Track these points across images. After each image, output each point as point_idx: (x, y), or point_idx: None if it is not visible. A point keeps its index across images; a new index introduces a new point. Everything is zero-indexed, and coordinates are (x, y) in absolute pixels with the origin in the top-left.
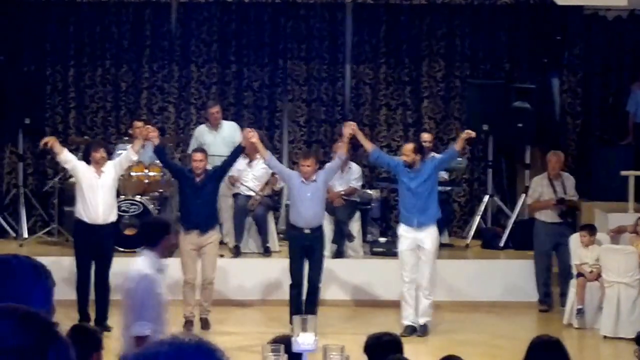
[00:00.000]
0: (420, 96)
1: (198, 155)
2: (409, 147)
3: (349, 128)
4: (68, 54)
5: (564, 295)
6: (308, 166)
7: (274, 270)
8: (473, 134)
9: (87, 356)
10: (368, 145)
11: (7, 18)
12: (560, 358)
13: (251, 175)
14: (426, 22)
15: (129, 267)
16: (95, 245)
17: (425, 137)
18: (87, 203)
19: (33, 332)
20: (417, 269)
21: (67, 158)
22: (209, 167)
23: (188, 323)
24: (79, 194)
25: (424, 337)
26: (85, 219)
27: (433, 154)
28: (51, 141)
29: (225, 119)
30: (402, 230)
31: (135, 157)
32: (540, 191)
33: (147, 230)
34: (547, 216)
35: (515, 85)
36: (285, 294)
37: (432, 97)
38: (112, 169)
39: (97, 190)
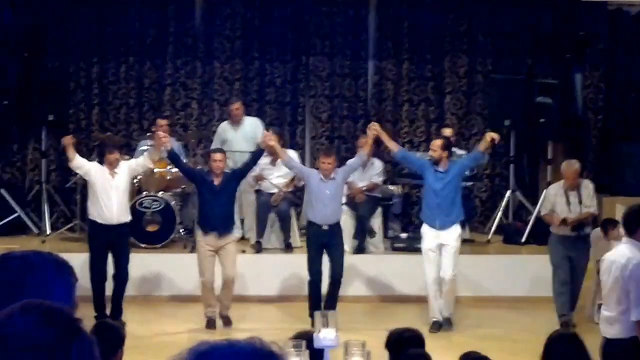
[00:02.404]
0: (443, 92)
1: (217, 156)
2: (437, 142)
3: (372, 130)
4: (92, 51)
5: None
6: (329, 164)
7: (295, 266)
8: (497, 137)
9: (111, 353)
10: (393, 146)
11: (30, 15)
12: (577, 351)
13: (275, 174)
14: (449, 18)
15: (615, 255)
16: (111, 246)
17: (447, 132)
18: (101, 204)
19: (56, 328)
20: (439, 268)
21: (78, 164)
22: (230, 163)
23: (210, 322)
24: (91, 195)
25: (449, 330)
26: (99, 220)
27: (454, 149)
28: (67, 143)
29: (248, 114)
30: (425, 228)
31: (152, 166)
32: (554, 202)
33: (626, 219)
34: (559, 228)
35: (537, 80)
36: (306, 289)
37: (454, 93)
38: (126, 171)
39: (110, 191)
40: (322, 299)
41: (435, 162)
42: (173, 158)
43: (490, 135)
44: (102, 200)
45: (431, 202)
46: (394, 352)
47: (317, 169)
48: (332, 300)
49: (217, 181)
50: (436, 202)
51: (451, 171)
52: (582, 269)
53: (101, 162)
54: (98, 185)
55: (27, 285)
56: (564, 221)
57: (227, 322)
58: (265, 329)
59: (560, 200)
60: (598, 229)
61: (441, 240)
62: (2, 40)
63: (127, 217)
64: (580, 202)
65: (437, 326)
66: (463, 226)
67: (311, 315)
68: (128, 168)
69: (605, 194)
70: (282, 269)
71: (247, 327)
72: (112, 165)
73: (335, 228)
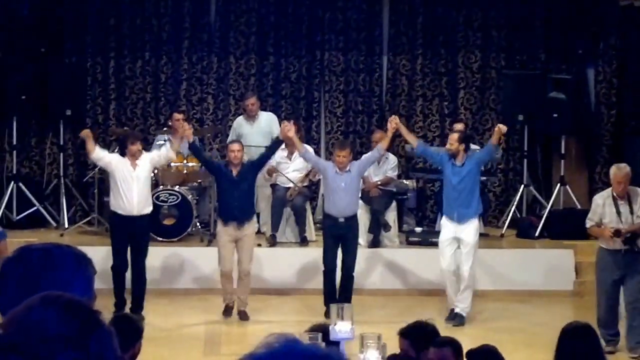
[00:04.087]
0: (457, 87)
1: (235, 146)
2: (454, 136)
3: (393, 123)
4: (108, 46)
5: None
6: (344, 157)
7: (311, 259)
8: (504, 128)
9: (129, 345)
10: (412, 140)
11: (48, 10)
12: (591, 342)
13: (291, 168)
14: (462, 14)
15: None
16: (131, 237)
17: (459, 127)
18: (122, 195)
19: (76, 320)
20: (454, 259)
21: (98, 156)
22: (246, 157)
23: (228, 309)
24: (113, 187)
25: (458, 326)
26: (120, 212)
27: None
28: (86, 136)
29: (264, 109)
30: (444, 221)
31: (174, 157)
32: (602, 212)
33: None
34: (610, 242)
35: (550, 75)
36: (321, 282)
37: (468, 88)
38: (147, 162)
39: (131, 182)
40: (337, 290)
41: (453, 156)
42: (194, 149)
43: (500, 127)
44: (123, 191)
45: (449, 196)
46: (413, 343)
47: (333, 162)
48: (347, 293)
49: (235, 172)
50: (454, 195)
51: (467, 165)
52: (637, 289)
53: (122, 154)
54: (119, 177)
55: (47, 278)
56: (616, 233)
57: (244, 316)
58: (281, 321)
59: (609, 210)
60: None
61: (459, 235)
62: (20, 36)
63: (148, 209)
64: (632, 211)
65: (454, 315)
66: (481, 219)
67: (326, 305)
68: (150, 160)
69: None
70: (298, 262)
71: (263, 319)
72: (135, 157)
73: (351, 221)
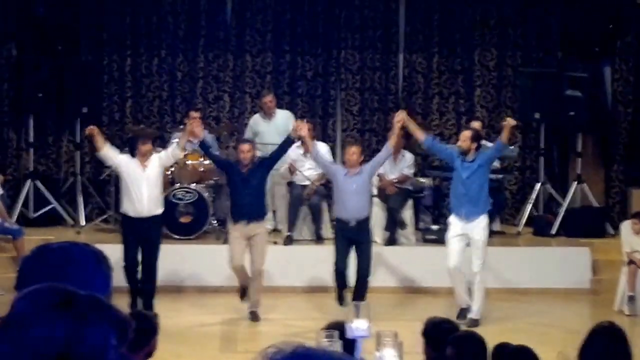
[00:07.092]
0: (473, 85)
1: (245, 147)
2: (466, 133)
3: (399, 118)
4: (125, 44)
5: None
6: (353, 153)
7: (326, 257)
8: (513, 122)
9: (144, 342)
10: (419, 135)
11: (64, 8)
12: (619, 346)
13: (307, 165)
14: (478, 12)
15: None
16: (143, 239)
17: (476, 125)
18: (132, 196)
19: (72, 313)
20: (462, 256)
21: (108, 155)
22: (260, 153)
23: (243, 289)
24: (123, 188)
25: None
26: (131, 213)
27: (484, 142)
28: (94, 132)
29: (280, 107)
30: (451, 218)
31: (182, 155)
32: None
33: None
34: None
35: (567, 73)
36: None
37: (484, 86)
38: (157, 162)
39: (141, 183)
40: (347, 287)
41: (464, 153)
42: (204, 148)
43: (508, 121)
44: (133, 192)
45: (458, 192)
46: (430, 340)
47: (344, 162)
48: (360, 297)
49: (246, 169)
50: (463, 191)
51: (478, 161)
52: None
53: (132, 155)
54: (129, 178)
55: (67, 276)
56: None
57: (255, 317)
58: (296, 319)
59: None
60: (628, 221)
61: (468, 232)
62: (37, 34)
63: (158, 210)
64: None
65: (465, 314)
66: (493, 219)
67: (338, 302)
68: (159, 159)
69: (635, 187)
70: (313, 260)
71: (278, 317)
72: (145, 157)
73: (364, 224)
